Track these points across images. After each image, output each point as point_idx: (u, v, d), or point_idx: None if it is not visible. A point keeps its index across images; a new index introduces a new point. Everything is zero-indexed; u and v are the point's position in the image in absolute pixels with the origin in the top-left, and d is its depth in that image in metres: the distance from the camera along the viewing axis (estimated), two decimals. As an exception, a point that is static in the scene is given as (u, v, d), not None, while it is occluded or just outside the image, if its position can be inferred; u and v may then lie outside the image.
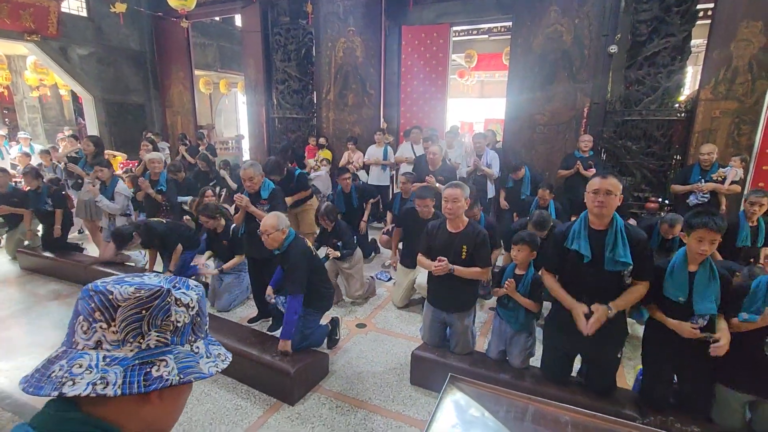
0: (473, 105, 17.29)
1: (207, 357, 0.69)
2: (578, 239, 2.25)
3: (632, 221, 4.65)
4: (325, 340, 3.36)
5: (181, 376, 0.64)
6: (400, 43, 7.15)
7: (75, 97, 11.89)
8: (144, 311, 0.64)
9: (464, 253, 2.74)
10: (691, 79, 9.31)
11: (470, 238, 2.74)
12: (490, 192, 5.62)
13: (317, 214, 4.21)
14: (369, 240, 5.56)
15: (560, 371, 2.59)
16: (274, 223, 2.88)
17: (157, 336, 0.64)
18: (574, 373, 2.68)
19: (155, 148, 7.30)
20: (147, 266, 4.74)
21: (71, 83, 8.69)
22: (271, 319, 3.73)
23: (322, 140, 7.61)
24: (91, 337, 0.62)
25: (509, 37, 6.44)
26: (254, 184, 3.49)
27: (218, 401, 2.76)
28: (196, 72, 9.79)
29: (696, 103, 5.20)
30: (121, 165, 8.34)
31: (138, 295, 0.64)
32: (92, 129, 9.03)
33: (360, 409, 2.69)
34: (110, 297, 0.63)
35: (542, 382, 2.59)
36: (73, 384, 0.58)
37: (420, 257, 3.00)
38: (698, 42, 7.28)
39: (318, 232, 4.49)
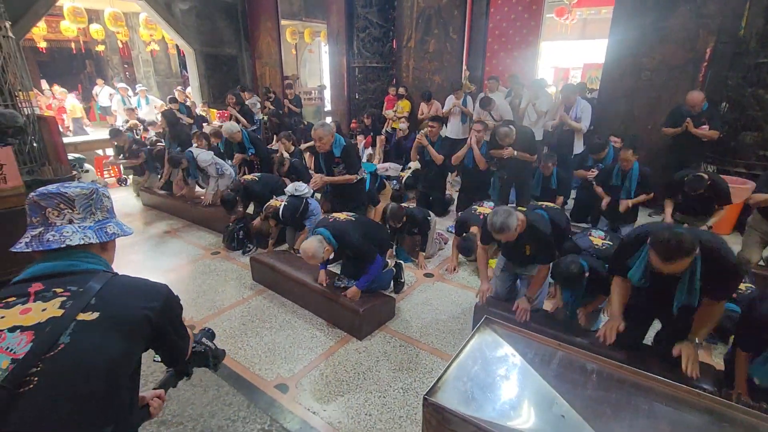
0: (572, 48, 15.47)
1: (125, 226, 1.16)
2: (638, 268, 2.07)
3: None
4: (392, 284, 3.54)
5: (121, 232, 1.12)
6: (489, -21, 6.58)
7: (179, 50, 12.96)
8: (90, 200, 1.07)
9: (528, 251, 2.73)
10: None
11: (532, 240, 2.67)
12: (577, 148, 5.12)
13: (384, 219, 4.01)
14: (445, 195, 5.50)
15: (635, 337, 2.46)
16: (314, 252, 2.83)
17: (101, 213, 1.10)
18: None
19: (239, 101, 7.56)
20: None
21: (175, 37, 9.45)
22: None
23: (401, 90, 7.48)
24: (64, 218, 1.03)
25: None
26: (324, 144, 3.55)
27: (297, 329, 3.12)
28: (282, 22, 10.01)
29: None
30: (218, 115, 9.12)
31: (84, 192, 1.06)
32: (194, 81, 9.88)
33: (421, 350, 2.86)
34: (66, 195, 1.03)
35: (599, 341, 2.45)
36: (71, 239, 1.00)
37: (480, 253, 2.99)
38: None
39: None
